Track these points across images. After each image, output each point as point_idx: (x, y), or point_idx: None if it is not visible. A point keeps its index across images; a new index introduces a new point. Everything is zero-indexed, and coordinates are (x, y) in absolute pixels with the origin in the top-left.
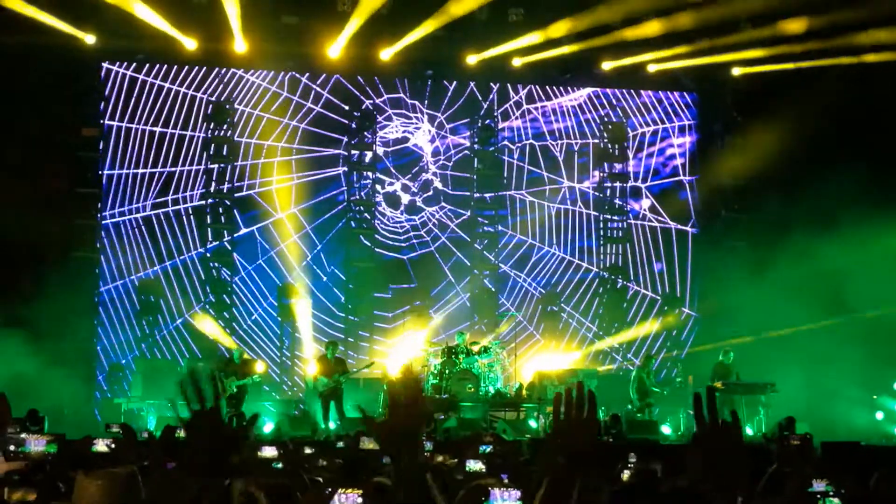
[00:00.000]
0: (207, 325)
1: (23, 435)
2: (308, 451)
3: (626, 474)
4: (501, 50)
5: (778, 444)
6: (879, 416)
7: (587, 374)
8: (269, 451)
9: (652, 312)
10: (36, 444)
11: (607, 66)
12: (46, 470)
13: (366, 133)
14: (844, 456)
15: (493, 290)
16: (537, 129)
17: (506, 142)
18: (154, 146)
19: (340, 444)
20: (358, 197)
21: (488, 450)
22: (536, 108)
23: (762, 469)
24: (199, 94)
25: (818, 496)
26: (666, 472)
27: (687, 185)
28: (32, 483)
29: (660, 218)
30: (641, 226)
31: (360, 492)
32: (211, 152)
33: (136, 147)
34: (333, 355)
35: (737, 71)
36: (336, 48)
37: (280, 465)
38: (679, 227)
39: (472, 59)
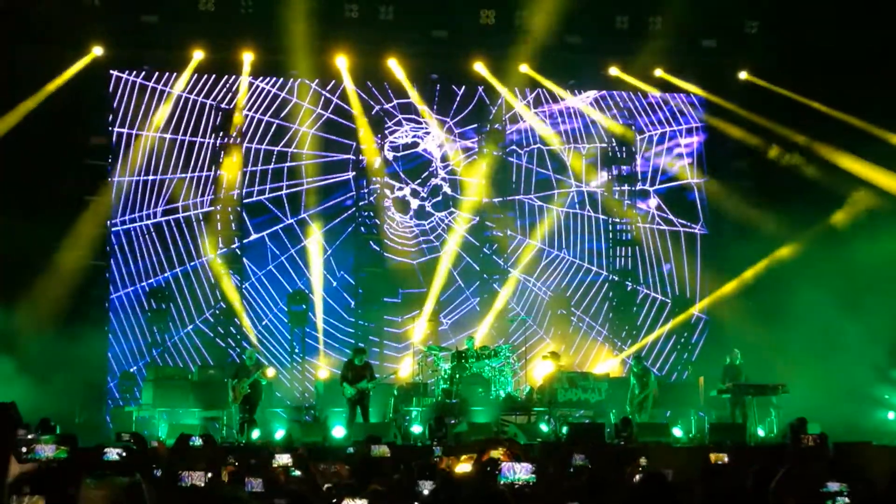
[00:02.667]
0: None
1: (30, 436)
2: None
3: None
4: (509, 54)
5: (792, 444)
6: (891, 415)
7: (597, 378)
8: (282, 459)
9: (662, 315)
10: (47, 450)
11: (614, 71)
12: (57, 475)
13: (375, 138)
14: (856, 456)
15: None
16: (545, 132)
17: (514, 146)
18: (164, 153)
19: (351, 449)
20: (367, 202)
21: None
22: (544, 111)
23: (775, 469)
24: (208, 101)
25: (831, 497)
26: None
27: (695, 186)
28: (42, 489)
29: (668, 219)
30: (650, 228)
31: (366, 501)
32: (220, 158)
33: (146, 154)
34: (362, 361)
35: (743, 75)
36: (344, 54)
37: (297, 473)
38: (687, 228)
39: (478, 66)
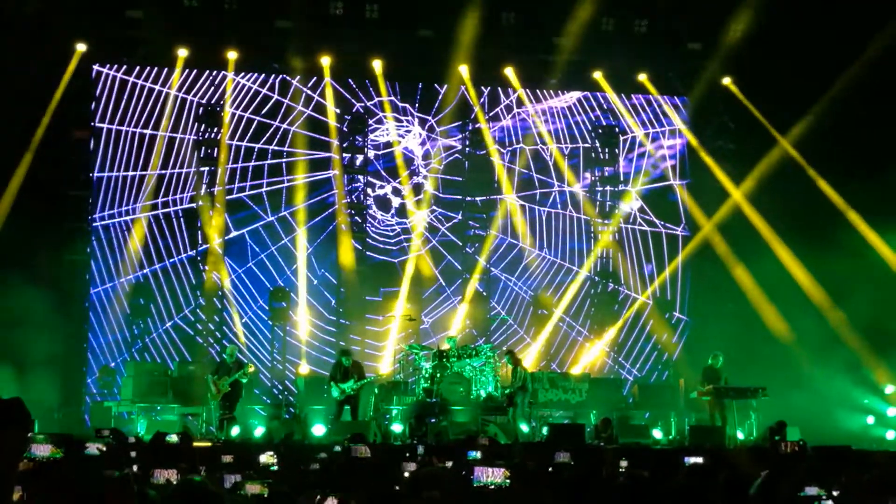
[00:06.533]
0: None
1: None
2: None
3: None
4: (493, 54)
5: (771, 448)
6: (870, 420)
7: (577, 379)
8: (262, 457)
9: (643, 316)
10: (42, 450)
11: (598, 74)
12: (49, 475)
13: (357, 136)
14: (835, 460)
15: (483, 293)
16: (528, 131)
17: (496, 145)
18: (145, 148)
19: (337, 448)
20: (349, 200)
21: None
22: (527, 112)
23: (756, 472)
24: (189, 97)
25: (812, 501)
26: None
27: (677, 187)
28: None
29: (650, 220)
30: (632, 229)
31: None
32: (202, 155)
33: (127, 149)
34: (350, 361)
35: (727, 80)
36: (328, 52)
37: (276, 469)
38: (669, 230)
39: (462, 67)
